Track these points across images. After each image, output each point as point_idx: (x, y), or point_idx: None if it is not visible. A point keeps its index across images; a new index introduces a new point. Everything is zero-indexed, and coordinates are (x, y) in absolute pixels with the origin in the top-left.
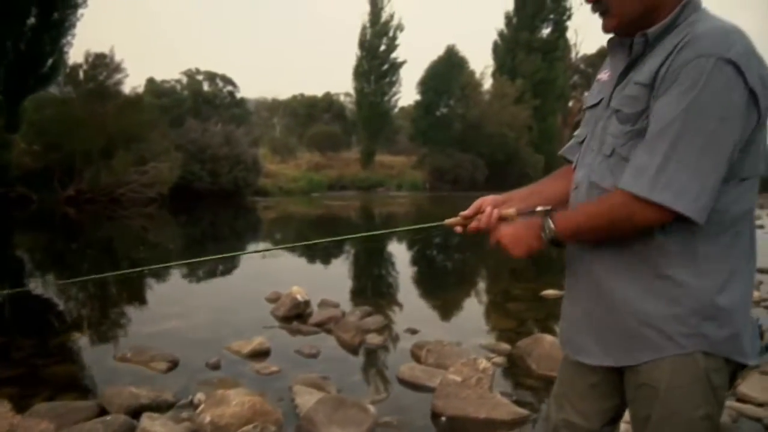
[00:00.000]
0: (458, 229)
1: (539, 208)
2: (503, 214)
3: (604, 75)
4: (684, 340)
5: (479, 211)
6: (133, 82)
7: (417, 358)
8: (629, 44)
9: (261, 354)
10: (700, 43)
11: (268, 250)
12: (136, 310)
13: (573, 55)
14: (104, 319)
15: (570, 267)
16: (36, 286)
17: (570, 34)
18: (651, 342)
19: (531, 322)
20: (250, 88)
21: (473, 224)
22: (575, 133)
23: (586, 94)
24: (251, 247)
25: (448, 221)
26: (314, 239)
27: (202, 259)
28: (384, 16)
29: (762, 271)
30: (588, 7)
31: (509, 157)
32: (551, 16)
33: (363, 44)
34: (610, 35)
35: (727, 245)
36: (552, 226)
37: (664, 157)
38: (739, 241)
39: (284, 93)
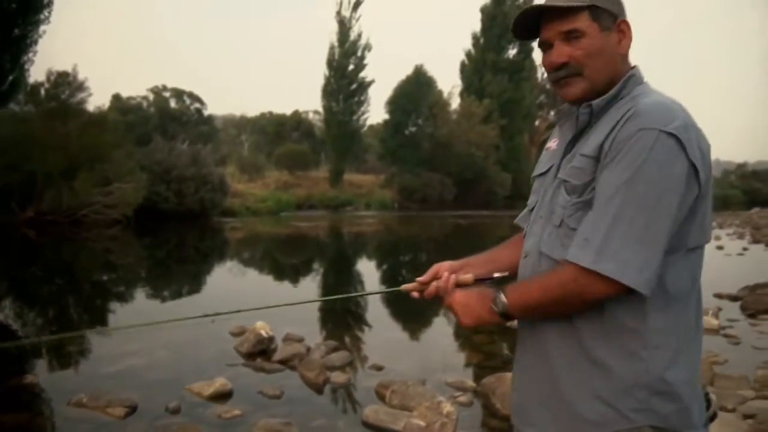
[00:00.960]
0: (415, 294)
1: (497, 275)
2: (461, 280)
3: (552, 144)
4: (633, 414)
5: (436, 277)
6: (98, 100)
7: (382, 398)
8: (576, 115)
9: (223, 395)
10: (642, 117)
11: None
12: (93, 347)
13: (539, 75)
14: (59, 358)
15: (520, 335)
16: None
17: (536, 55)
18: (600, 416)
19: (497, 356)
20: (218, 105)
21: (430, 290)
22: (528, 201)
23: (552, 113)
24: (216, 269)
25: (404, 287)
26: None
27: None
28: (352, 35)
29: (720, 296)
30: None
31: (477, 175)
32: None
33: (331, 63)
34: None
35: (676, 317)
36: (504, 299)
37: (608, 229)
38: (687, 312)
39: (252, 110)
